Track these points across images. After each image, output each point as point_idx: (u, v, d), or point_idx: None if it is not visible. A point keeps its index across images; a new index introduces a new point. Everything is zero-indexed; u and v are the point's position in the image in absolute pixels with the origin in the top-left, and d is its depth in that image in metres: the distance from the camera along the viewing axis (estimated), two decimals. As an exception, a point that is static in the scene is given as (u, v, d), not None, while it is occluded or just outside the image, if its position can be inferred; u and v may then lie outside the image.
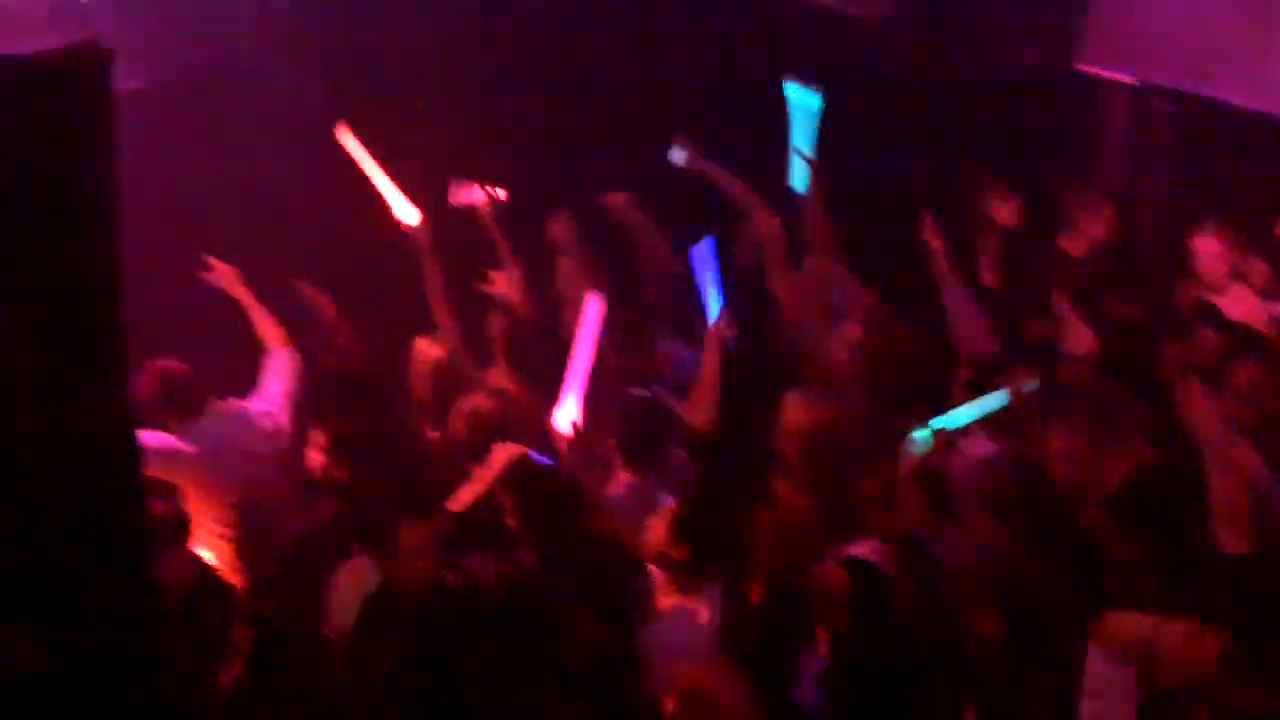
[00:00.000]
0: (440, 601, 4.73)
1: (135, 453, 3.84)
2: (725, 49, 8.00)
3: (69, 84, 3.39)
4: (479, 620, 4.85)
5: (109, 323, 3.64)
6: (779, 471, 5.34)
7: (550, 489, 4.97)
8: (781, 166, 6.71)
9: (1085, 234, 6.84)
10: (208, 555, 5.41)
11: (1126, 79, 7.34)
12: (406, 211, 6.37)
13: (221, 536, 5.61)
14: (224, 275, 6.14)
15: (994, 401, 5.23)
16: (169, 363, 5.72)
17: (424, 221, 6.37)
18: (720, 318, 5.95)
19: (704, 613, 4.84)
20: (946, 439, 5.04)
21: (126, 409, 3.74)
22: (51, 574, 3.76)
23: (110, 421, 3.69)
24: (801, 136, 6.50)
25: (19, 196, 3.40)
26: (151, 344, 5.59)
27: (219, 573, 5.23)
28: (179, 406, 5.66)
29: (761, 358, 6.16)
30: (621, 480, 5.48)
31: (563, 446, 5.57)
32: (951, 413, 5.20)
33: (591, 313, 5.74)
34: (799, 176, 6.50)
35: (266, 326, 6.08)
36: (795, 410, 5.38)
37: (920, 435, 4.98)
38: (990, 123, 7.37)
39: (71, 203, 3.48)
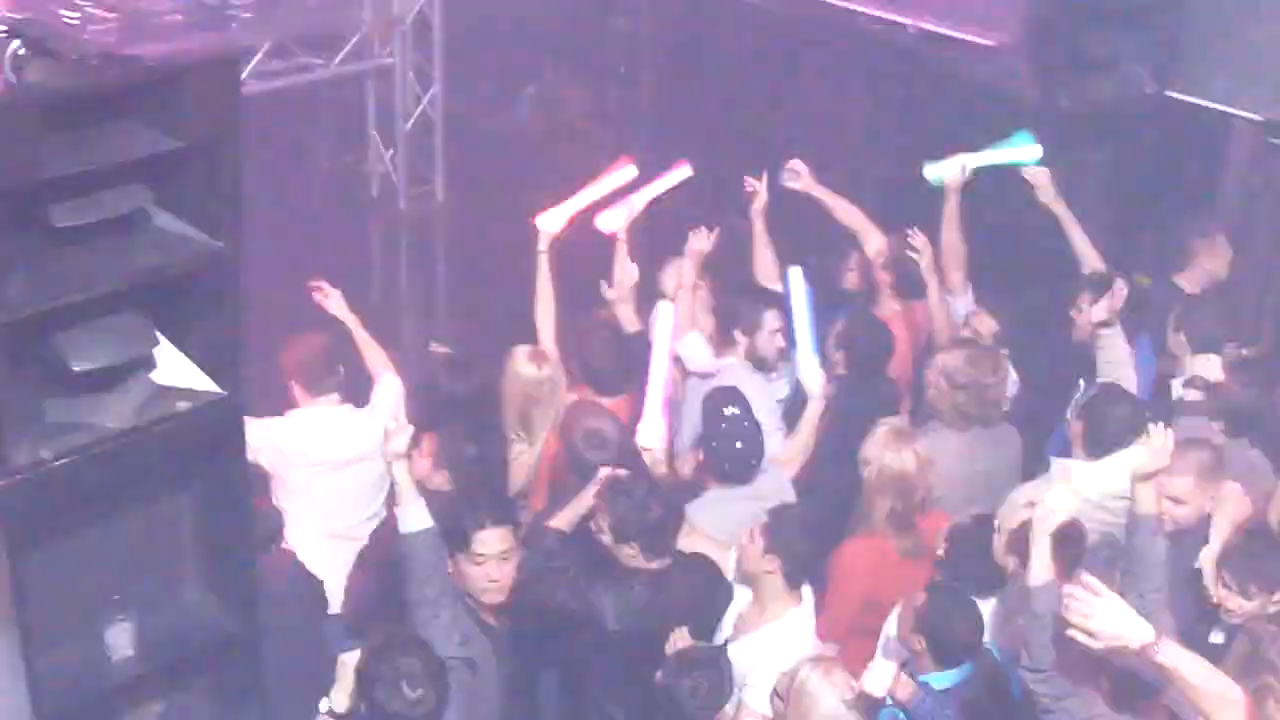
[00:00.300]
0: (528, 614, 4.75)
1: (242, 445, 3.93)
2: (840, 71, 7.99)
3: (198, 85, 3.48)
4: (567, 634, 4.87)
5: (225, 318, 3.73)
6: (860, 503, 5.33)
7: (643, 504, 4.97)
8: (896, 190, 6.67)
9: (1200, 269, 6.72)
10: (303, 554, 5.51)
11: (1225, 108, 7.19)
12: (551, 220, 6.26)
13: (316, 535, 5.70)
14: (332, 300, 6.17)
15: (1133, 458, 4.98)
16: (320, 337, 5.87)
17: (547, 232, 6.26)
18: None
19: (798, 630, 4.84)
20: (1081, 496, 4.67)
21: (238, 403, 3.82)
22: (154, 562, 3.86)
23: (220, 414, 3.78)
24: (985, 158, 6.41)
25: (146, 190, 3.50)
26: (265, 341, 5.72)
27: (312, 572, 5.32)
28: (318, 382, 5.81)
29: (867, 383, 6.08)
30: (713, 495, 5.47)
31: (651, 461, 5.55)
32: (1095, 469, 4.93)
33: (663, 322, 5.69)
34: (937, 169, 6.36)
35: (371, 353, 6.13)
36: (878, 443, 5.34)
37: (1058, 493, 4.73)
38: (1103, 151, 7.26)
39: (196, 201, 3.57)
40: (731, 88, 8.06)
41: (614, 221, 6.20)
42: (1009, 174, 6.44)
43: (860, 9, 7.92)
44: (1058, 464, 4.86)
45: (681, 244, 6.27)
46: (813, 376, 5.80)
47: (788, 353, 6.06)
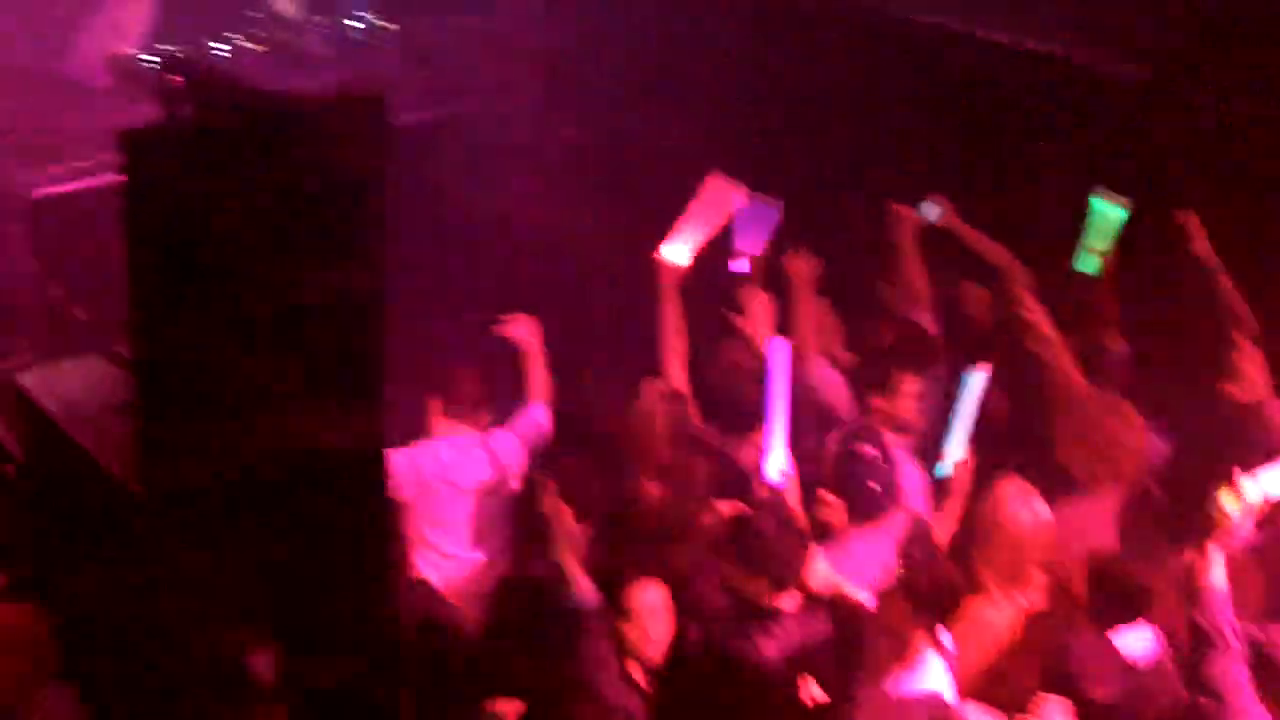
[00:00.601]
0: (677, 666, 4.69)
1: (383, 473, 3.97)
2: (976, 106, 7.88)
3: (346, 120, 3.53)
4: (711, 684, 4.79)
5: (369, 348, 3.77)
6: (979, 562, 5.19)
7: (768, 546, 4.90)
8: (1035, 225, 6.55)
9: None
10: (435, 581, 5.55)
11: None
12: (677, 252, 6.24)
13: (437, 565, 5.74)
14: (522, 328, 6.19)
15: None
16: (463, 366, 5.94)
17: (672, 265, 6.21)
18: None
19: (928, 680, 4.74)
20: (1257, 503, 4.65)
21: (379, 430, 3.86)
22: (296, 590, 3.89)
23: (363, 441, 3.82)
24: (1098, 237, 6.27)
25: (294, 224, 3.55)
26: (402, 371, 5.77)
27: (442, 598, 5.35)
28: (457, 409, 5.86)
29: (1012, 422, 5.93)
30: (844, 537, 5.39)
31: (777, 498, 5.48)
32: (1263, 475, 4.77)
33: (778, 357, 5.58)
34: (1086, 261, 6.23)
35: (537, 379, 6.15)
36: (994, 500, 5.21)
37: (1229, 499, 4.66)
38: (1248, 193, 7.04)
39: (342, 232, 3.62)
40: (856, 116, 7.97)
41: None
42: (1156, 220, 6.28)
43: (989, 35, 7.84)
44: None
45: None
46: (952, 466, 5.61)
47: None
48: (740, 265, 6.27)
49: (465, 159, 7.94)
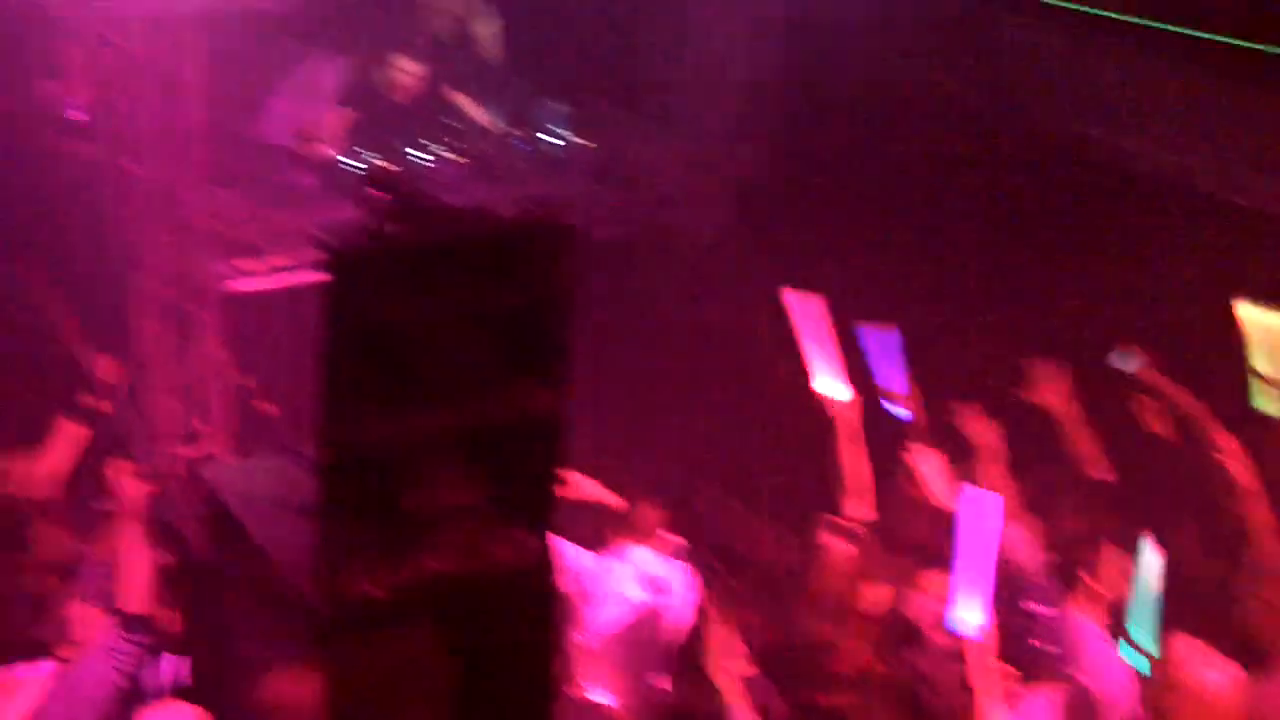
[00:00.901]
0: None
1: (556, 594, 3.93)
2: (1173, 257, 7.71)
3: (540, 239, 3.56)
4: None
5: (549, 466, 3.76)
6: None
7: (939, 698, 4.74)
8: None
9: None
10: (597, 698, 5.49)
11: None
12: (836, 388, 6.14)
13: (600, 680, 5.68)
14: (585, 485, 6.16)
15: None
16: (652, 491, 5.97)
17: (851, 400, 6.11)
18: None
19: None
20: None
21: (548, 548, 3.84)
22: (464, 706, 3.86)
23: (538, 559, 3.79)
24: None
25: (484, 339, 3.58)
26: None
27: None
28: (640, 536, 5.86)
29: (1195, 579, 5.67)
30: (1013, 697, 5.16)
31: (953, 649, 5.28)
32: None
33: (973, 504, 5.39)
34: (1263, 398, 6.03)
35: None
36: (1176, 662, 4.93)
37: None
38: None
39: (530, 350, 3.63)
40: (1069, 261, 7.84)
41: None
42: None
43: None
44: None
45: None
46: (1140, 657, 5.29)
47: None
48: (898, 409, 6.15)
49: (659, 277, 7.99)
